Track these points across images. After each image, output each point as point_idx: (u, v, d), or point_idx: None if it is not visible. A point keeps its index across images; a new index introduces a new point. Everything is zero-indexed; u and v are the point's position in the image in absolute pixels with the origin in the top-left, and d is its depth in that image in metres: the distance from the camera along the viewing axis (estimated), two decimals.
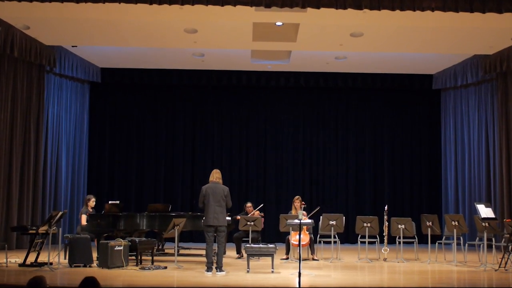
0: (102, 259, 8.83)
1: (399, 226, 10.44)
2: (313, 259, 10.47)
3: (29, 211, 12.03)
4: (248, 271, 8.65)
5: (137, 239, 9.33)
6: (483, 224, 9.39)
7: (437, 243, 10.68)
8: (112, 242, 8.89)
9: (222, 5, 9.31)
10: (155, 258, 9.63)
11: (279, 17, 10.72)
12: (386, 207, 10.83)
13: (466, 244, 10.48)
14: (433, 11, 9.51)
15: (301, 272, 7.32)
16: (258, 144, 15.32)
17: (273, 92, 15.44)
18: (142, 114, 15.26)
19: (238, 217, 11.05)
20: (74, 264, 8.96)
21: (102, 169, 14.98)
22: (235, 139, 15.33)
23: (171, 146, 15.26)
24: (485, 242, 9.50)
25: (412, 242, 10.96)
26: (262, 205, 11.52)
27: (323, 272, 8.99)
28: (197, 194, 8.99)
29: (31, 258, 9.05)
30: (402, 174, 15.26)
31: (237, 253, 10.89)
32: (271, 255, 8.77)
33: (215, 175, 8.84)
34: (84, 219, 10.52)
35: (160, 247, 11.26)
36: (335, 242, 10.54)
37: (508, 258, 9.07)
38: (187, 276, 8.26)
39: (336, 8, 9.44)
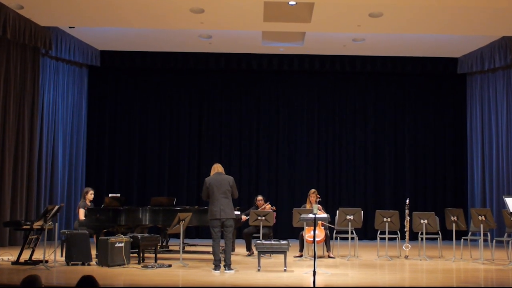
0: (101, 256, 8.83)
1: (422, 221, 10.40)
2: (329, 257, 10.45)
3: (23, 205, 12.04)
4: (258, 270, 8.62)
5: (139, 235, 9.34)
6: None
7: (462, 240, 10.62)
8: (112, 239, 8.88)
9: None
10: (158, 255, 9.62)
11: None
12: (407, 201, 10.76)
13: (494, 241, 10.39)
14: None
15: (316, 270, 7.25)
16: (270, 132, 15.25)
17: (285, 77, 15.37)
18: (145, 100, 15.23)
19: (244, 217, 11.01)
20: (72, 262, 8.97)
21: (102, 160, 14.98)
22: (244, 127, 15.27)
23: (176, 135, 15.22)
24: None
25: (436, 239, 10.90)
26: (268, 202, 11.43)
27: (340, 270, 8.96)
28: None
29: (25, 256, 9.05)
30: (424, 165, 15.17)
31: (247, 250, 10.87)
32: (284, 253, 8.75)
33: (217, 168, 8.82)
34: (82, 213, 10.51)
35: (164, 243, 11.27)
36: (352, 238, 10.49)
37: None
38: (193, 275, 8.24)
39: None
